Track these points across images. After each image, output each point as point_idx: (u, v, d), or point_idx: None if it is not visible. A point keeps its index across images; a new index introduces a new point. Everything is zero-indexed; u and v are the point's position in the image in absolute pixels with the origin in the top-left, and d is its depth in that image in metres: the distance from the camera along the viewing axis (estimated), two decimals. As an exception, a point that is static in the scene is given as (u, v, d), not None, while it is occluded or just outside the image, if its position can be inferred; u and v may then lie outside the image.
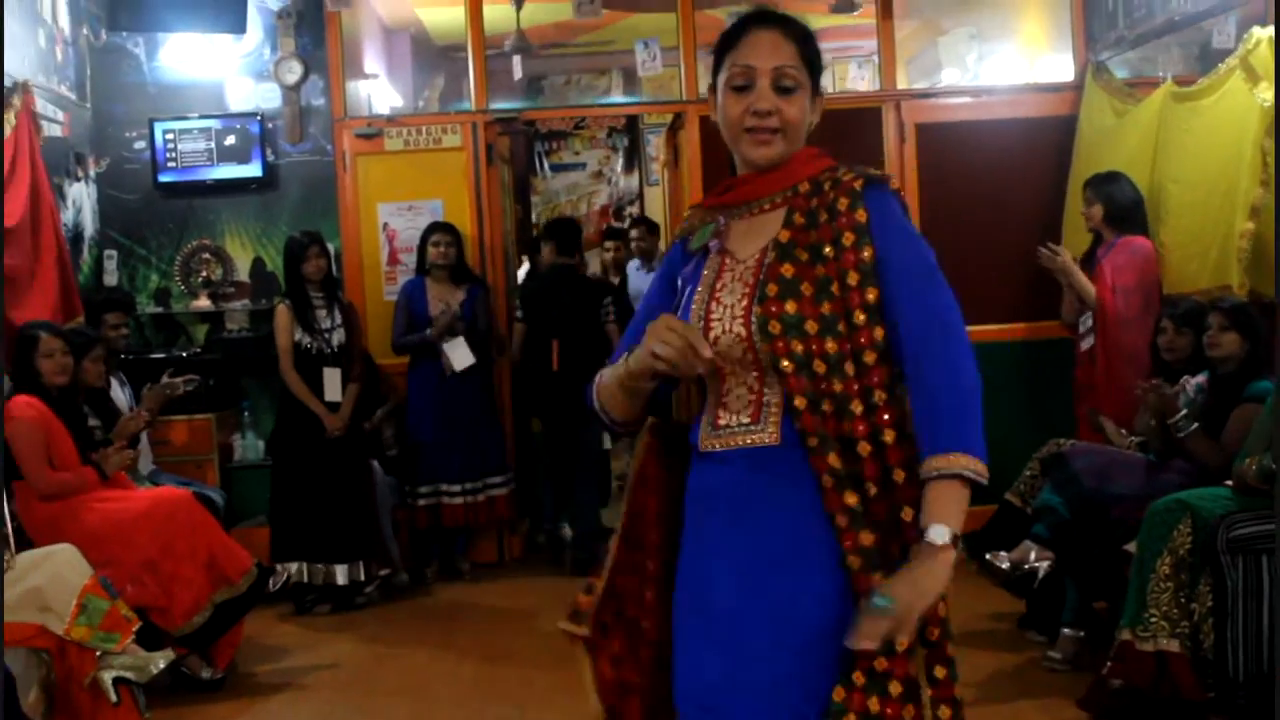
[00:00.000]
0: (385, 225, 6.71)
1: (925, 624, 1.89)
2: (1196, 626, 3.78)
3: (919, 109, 6.64)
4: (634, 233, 8.20)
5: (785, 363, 1.92)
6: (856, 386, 1.91)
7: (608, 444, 7.09)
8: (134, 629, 3.96)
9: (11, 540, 4.39)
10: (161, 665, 3.98)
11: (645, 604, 2.09)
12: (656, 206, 10.00)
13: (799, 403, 1.91)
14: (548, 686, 4.58)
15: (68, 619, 3.81)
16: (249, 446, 6.60)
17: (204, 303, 6.77)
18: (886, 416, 1.91)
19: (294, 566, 5.70)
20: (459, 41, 7.25)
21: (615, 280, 7.67)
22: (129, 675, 3.85)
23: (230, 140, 6.70)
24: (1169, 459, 4.46)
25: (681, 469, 2.10)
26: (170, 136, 6.67)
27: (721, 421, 2.02)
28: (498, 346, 6.64)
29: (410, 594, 6.14)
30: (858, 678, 1.87)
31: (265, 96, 6.79)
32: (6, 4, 5.69)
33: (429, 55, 9.92)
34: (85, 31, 6.62)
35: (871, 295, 1.93)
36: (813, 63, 2.04)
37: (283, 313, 5.91)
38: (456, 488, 6.25)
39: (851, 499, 1.89)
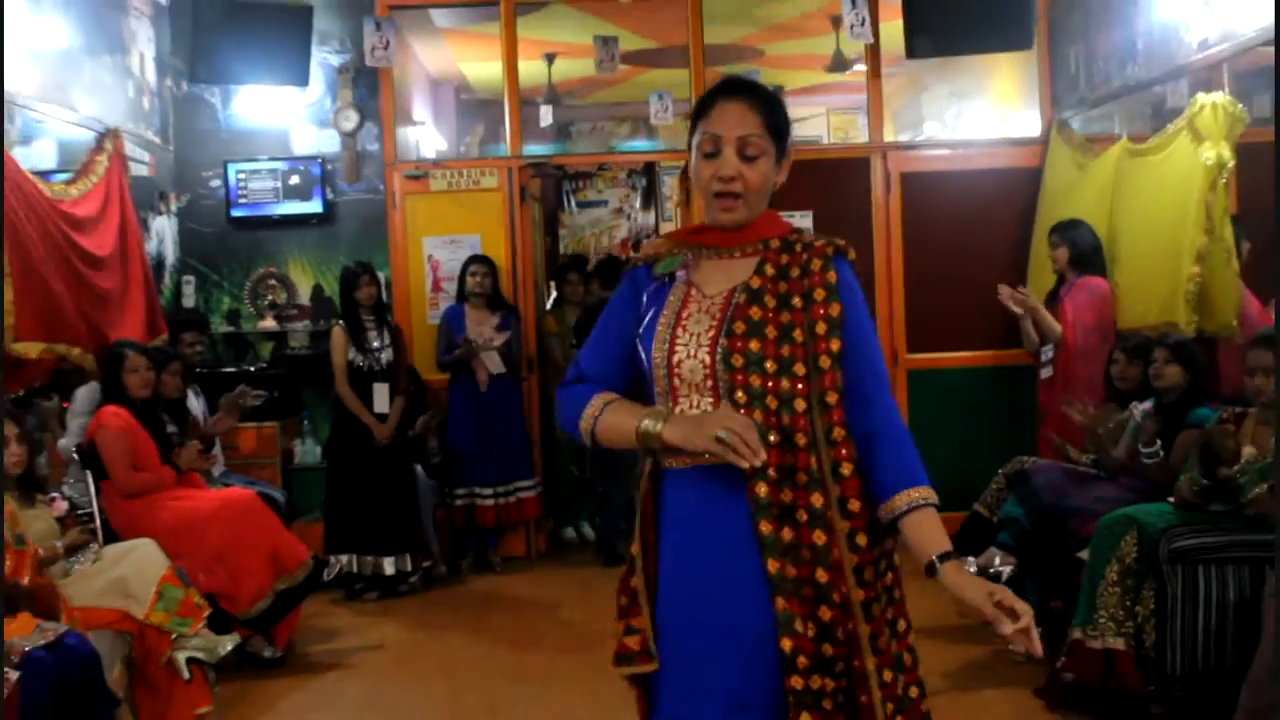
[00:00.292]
0: (430, 257, 6.74)
1: (895, 616, 1.99)
2: (1140, 627, 3.81)
3: (903, 159, 6.62)
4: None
5: (740, 394, 1.95)
6: (804, 422, 1.94)
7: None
8: (205, 614, 4.00)
9: (100, 534, 4.48)
10: (229, 647, 4.02)
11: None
12: (670, 240, 10.02)
13: None
14: (570, 668, 4.62)
15: (147, 605, 3.85)
16: (307, 451, 6.66)
17: (270, 323, 6.85)
18: (845, 451, 1.95)
19: (345, 558, 5.73)
20: (497, 94, 7.30)
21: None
22: (200, 655, 3.89)
23: (294, 180, 6.78)
24: (1118, 477, 4.51)
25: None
26: (242, 176, 6.76)
27: None
28: (527, 365, 6.69)
29: (448, 584, 6.17)
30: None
31: (326, 142, 6.87)
32: (99, 58, 5.81)
33: (470, 105, 9.98)
34: (169, 83, 6.71)
35: (835, 345, 1.97)
36: (778, 129, 2.02)
37: (338, 334, 5.97)
38: (489, 490, 6.28)
39: (767, 528, 1.90)
